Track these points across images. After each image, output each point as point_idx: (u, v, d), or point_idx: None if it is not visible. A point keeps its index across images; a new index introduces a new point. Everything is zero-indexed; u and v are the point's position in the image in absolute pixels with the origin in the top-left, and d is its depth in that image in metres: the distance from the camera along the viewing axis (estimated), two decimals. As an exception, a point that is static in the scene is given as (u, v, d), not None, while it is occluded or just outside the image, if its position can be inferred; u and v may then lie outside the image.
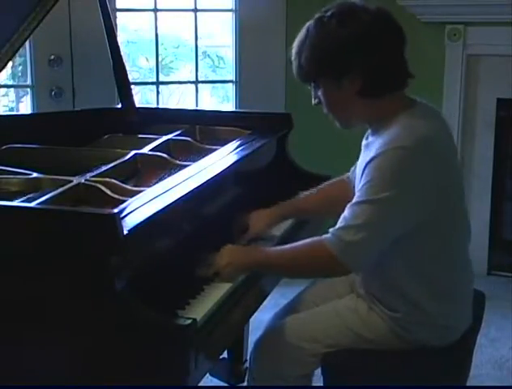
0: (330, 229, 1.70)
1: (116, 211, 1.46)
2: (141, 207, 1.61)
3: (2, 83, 3.60)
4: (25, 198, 1.74)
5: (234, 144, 2.28)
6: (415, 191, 1.67)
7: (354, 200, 1.69)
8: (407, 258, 1.77)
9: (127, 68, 2.70)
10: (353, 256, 1.67)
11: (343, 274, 1.79)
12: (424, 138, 1.68)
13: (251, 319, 2.06)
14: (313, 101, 1.82)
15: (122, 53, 2.65)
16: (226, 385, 2.62)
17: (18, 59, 3.45)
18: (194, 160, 2.11)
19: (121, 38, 3.33)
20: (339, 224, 1.69)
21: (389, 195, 1.63)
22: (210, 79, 4.29)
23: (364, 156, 1.78)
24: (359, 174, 1.76)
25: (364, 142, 1.87)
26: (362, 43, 1.68)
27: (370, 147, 1.76)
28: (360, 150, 1.90)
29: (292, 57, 1.76)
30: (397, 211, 1.66)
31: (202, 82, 3.98)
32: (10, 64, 2.73)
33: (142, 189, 1.82)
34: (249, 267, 1.77)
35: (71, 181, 1.83)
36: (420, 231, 1.73)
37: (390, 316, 1.84)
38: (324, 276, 1.75)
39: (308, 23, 1.74)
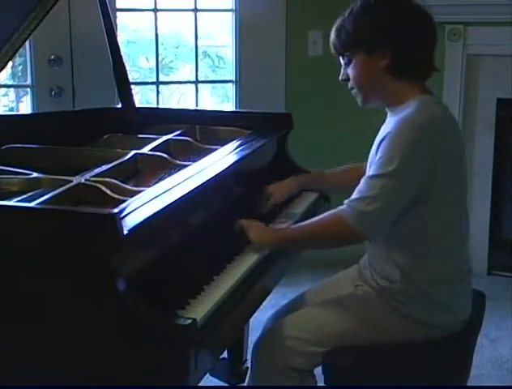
0: (345, 201, 1.82)
1: (116, 211, 1.46)
2: (141, 207, 1.61)
3: (2, 83, 3.60)
4: (25, 197, 1.74)
5: (234, 144, 2.28)
6: (422, 164, 1.79)
7: (369, 173, 1.81)
8: (407, 238, 1.88)
9: (127, 68, 2.70)
10: (368, 225, 1.79)
11: (359, 242, 1.88)
12: (434, 118, 1.83)
13: (251, 319, 2.06)
14: (340, 77, 1.96)
15: (122, 53, 2.65)
16: (226, 385, 2.62)
17: (18, 59, 3.45)
18: (194, 160, 2.11)
19: (121, 38, 3.33)
20: (354, 196, 1.81)
21: (399, 167, 1.75)
22: (210, 78, 4.28)
23: (381, 133, 1.91)
24: (374, 149, 1.89)
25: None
26: (400, 26, 1.86)
27: (387, 125, 1.91)
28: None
29: (332, 32, 1.93)
30: (407, 181, 1.79)
31: (202, 82, 3.98)
32: (10, 64, 2.73)
33: (142, 189, 1.82)
34: (275, 245, 1.92)
35: (71, 181, 1.83)
36: (421, 214, 1.84)
37: (388, 291, 1.89)
38: (343, 245, 1.88)
39: (353, 4, 1.92)
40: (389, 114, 1.95)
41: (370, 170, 1.82)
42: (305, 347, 1.88)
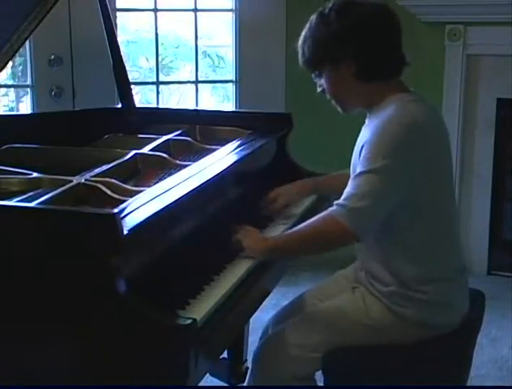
0: (335, 202, 1.81)
1: (116, 211, 1.46)
2: (141, 207, 1.61)
3: (2, 83, 3.60)
4: (25, 197, 1.74)
5: (234, 144, 2.28)
6: (410, 161, 1.80)
7: (356, 173, 1.81)
8: (397, 238, 1.87)
9: (127, 68, 2.70)
10: (359, 222, 1.78)
11: (351, 242, 1.87)
12: (416, 117, 1.82)
13: (251, 319, 2.06)
14: (317, 89, 1.97)
15: (122, 53, 2.65)
16: (226, 385, 2.62)
17: (18, 59, 3.45)
18: (194, 160, 2.12)
19: (121, 38, 3.33)
20: (343, 196, 1.80)
21: (387, 163, 1.76)
22: (210, 78, 4.29)
23: (361, 136, 1.91)
24: (357, 152, 1.89)
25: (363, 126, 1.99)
26: (356, 32, 1.86)
27: (367, 127, 1.91)
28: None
29: (298, 48, 1.93)
30: (395, 178, 1.79)
31: (202, 82, 3.98)
32: (10, 64, 2.73)
33: (142, 189, 1.82)
34: (267, 254, 1.86)
35: (71, 181, 1.83)
36: (409, 212, 1.84)
37: (383, 293, 1.89)
38: (337, 246, 1.86)
39: (312, 17, 1.92)
40: (368, 116, 1.95)
41: (357, 170, 1.81)
42: (307, 354, 1.88)
